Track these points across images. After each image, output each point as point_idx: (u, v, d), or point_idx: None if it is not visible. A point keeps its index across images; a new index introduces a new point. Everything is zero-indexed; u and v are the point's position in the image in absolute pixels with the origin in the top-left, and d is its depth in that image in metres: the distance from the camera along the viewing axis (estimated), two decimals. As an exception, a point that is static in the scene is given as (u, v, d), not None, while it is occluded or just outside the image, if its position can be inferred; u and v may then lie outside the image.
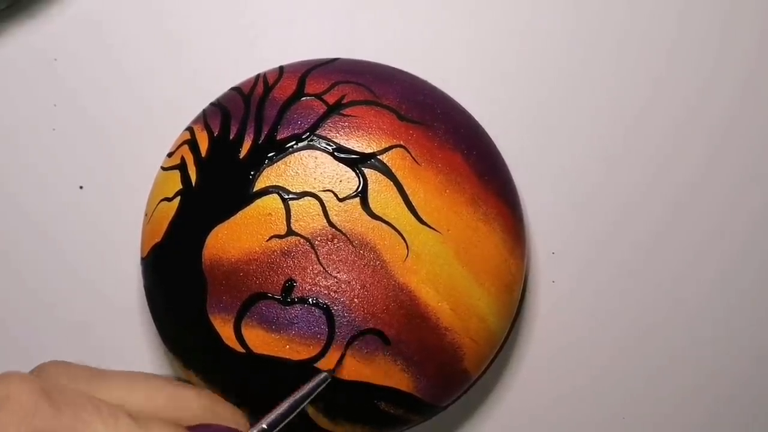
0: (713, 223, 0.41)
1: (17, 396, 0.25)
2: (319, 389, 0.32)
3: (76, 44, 0.41)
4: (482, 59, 0.41)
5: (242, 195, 0.34)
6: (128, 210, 0.39)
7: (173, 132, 0.37)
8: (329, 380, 0.33)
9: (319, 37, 0.41)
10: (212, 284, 0.34)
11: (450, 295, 0.33)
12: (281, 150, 0.34)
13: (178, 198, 0.35)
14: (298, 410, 0.31)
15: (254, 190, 0.34)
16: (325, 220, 0.33)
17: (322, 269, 0.33)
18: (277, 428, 0.30)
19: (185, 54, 0.41)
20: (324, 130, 0.34)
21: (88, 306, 0.40)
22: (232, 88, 0.36)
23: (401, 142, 0.34)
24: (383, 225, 0.33)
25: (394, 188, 0.34)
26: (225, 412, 0.31)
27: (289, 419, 0.31)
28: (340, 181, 0.34)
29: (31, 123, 0.41)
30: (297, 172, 0.34)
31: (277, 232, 0.33)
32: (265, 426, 0.30)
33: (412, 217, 0.33)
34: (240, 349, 0.33)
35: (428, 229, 0.34)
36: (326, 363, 0.33)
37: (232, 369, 0.33)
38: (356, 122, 0.34)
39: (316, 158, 0.34)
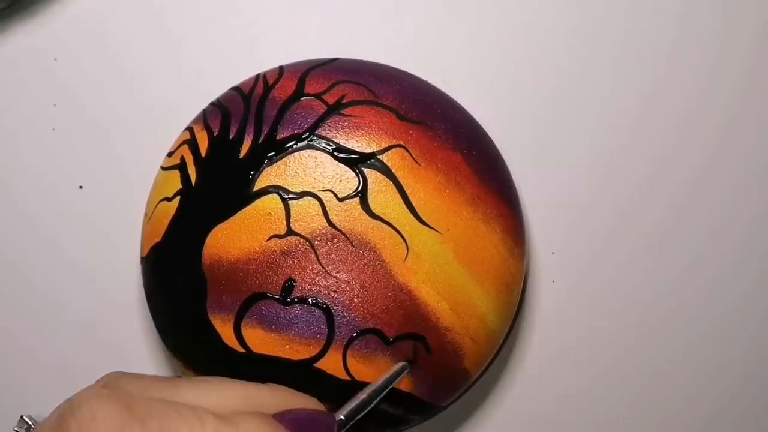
0: (713, 223, 0.41)
1: (103, 416, 0.25)
2: (399, 378, 0.32)
3: (76, 44, 0.41)
4: (482, 59, 0.41)
5: (242, 195, 0.34)
6: (128, 210, 0.39)
7: (173, 132, 0.37)
8: (408, 369, 0.32)
9: (319, 37, 0.41)
10: (212, 284, 0.34)
11: (450, 294, 0.33)
12: (281, 150, 0.34)
13: (178, 198, 0.35)
14: (377, 400, 0.31)
15: (254, 189, 0.34)
16: (324, 220, 0.33)
17: (321, 269, 0.33)
18: (356, 418, 0.30)
19: (185, 54, 0.41)
20: (324, 129, 0.34)
21: (88, 306, 0.40)
22: (232, 88, 0.36)
23: (401, 142, 0.34)
24: (383, 225, 0.33)
25: (394, 188, 0.34)
26: (302, 403, 0.30)
27: (368, 409, 0.30)
28: (340, 180, 0.34)
29: (31, 123, 0.41)
30: (297, 172, 0.34)
31: (276, 232, 0.33)
32: (342, 417, 0.30)
33: (412, 217, 0.33)
34: (240, 348, 0.33)
35: (428, 229, 0.34)
36: (326, 363, 0.33)
37: (232, 369, 0.33)
38: (356, 122, 0.34)
39: (315, 158, 0.34)
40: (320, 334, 0.33)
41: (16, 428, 0.35)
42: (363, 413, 0.30)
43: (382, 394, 0.31)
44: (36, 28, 0.41)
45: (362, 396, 0.31)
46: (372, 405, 0.31)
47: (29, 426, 0.34)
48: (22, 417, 0.35)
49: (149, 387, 0.28)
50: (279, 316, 0.33)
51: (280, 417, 0.28)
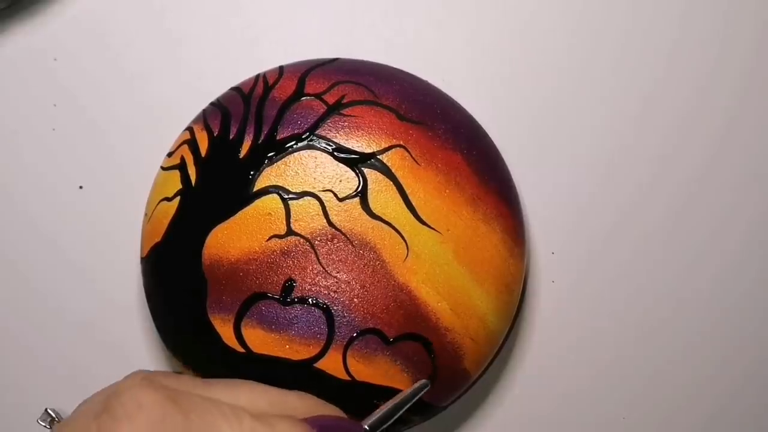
0: (713, 223, 0.41)
1: (147, 403, 0.26)
2: (420, 394, 0.32)
3: (76, 44, 0.41)
4: (482, 59, 0.41)
5: (242, 195, 0.34)
6: (128, 210, 0.39)
7: (173, 132, 0.37)
8: (428, 387, 0.33)
9: (319, 37, 0.41)
10: (212, 284, 0.34)
11: (450, 295, 0.33)
12: (281, 150, 0.34)
13: (178, 198, 0.35)
14: (399, 414, 0.31)
15: (254, 190, 0.34)
16: (324, 220, 0.33)
17: (321, 269, 0.33)
18: (378, 430, 0.31)
19: (185, 54, 0.41)
20: (324, 129, 0.34)
21: (88, 306, 0.40)
22: (232, 88, 0.36)
23: (401, 142, 0.34)
24: (383, 225, 0.33)
25: (394, 188, 0.34)
26: (329, 411, 0.31)
27: (389, 423, 0.31)
28: (340, 180, 0.34)
29: (31, 123, 0.41)
30: (297, 172, 0.34)
31: (276, 232, 0.33)
32: (366, 427, 0.30)
33: (412, 217, 0.33)
34: (240, 348, 0.33)
35: (428, 229, 0.34)
36: (326, 363, 0.33)
37: (232, 369, 0.33)
38: (356, 122, 0.34)
39: (315, 158, 0.34)
40: (320, 334, 0.33)
41: (39, 420, 0.35)
42: (385, 426, 0.31)
43: (404, 409, 0.32)
44: (36, 28, 0.41)
45: (385, 408, 0.31)
46: (394, 419, 0.31)
47: (53, 419, 0.35)
48: (46, 410, 0.35)
49: (186, 383, 0.29)
50: (279, 316, 0.33)
51: (311, 422, 0.29)
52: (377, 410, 0.31)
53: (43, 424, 0.35)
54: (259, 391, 0.30)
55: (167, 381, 0.28)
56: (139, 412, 0.26)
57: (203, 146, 0.35)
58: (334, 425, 0.29)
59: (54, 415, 0.35)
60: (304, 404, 0.30)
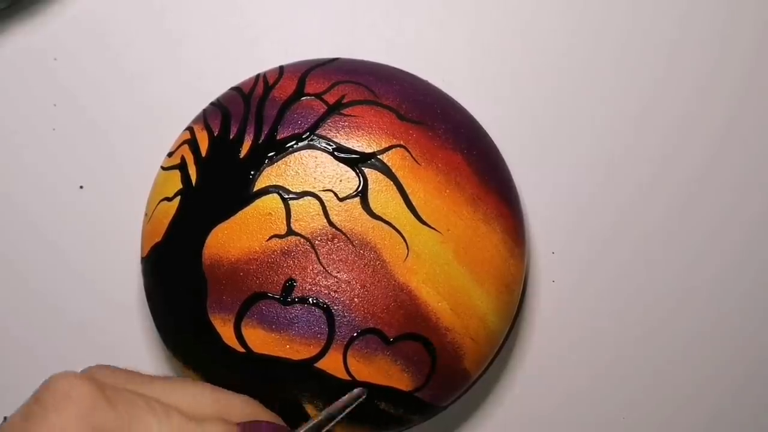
0: (713, 222, 0.41)
1: (78, 395, 0.26)
2: (354, 404, 0.32)
3: (76, 44, 0.41)
4: (482, 59, 0.41)
5: (242, 195, 0.34)
6: (128, 210, 0.39)
7: (173, 132, 0.37)
8: (365, 396, 0.33)
9: (319, 37, 0.41)
10: (212, 284, 0.34)
11: (450, 295, 0.33)
12: (281, 150, 0.34)
13: (178, 198, 0.35)
14: (332, 424, 0.32)
15: (254, 189, 0.34)
16: (325, 220, 0.33)
17: (322, 269, 0.33)
18: None
19: (185, 54, 0.41)
20: (324, 129, 0.34)
21: (88, 306, 0.40)
22: (232, 88, 0.36)
23: (401, 142, 0.34)
24: (383, 225, 0.33)
25: (395, 188, 0.34)
26: (269, 418, 0.32)
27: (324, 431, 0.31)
28: (340, 180, 0.34)
29: (31, 123, 0.41)
30: (297, 172, 0.34)
31: (277, 232, 0.33)
32: None
33: (412, 216, 0.33)
34: (240, 348, 0.33)
35: (428, 228, 0.34)
36: (326, 363, 0.33)
37: (232, 369, 0.33)
38: (356, 122, 0.34)
39: (316, 158, 0.34)
40: (320, 334, 0.33)
41: None
42: None
43: (338, 419, 0.32)
44: (36, 28, 0.41)
45: (319, 418, 0.31)
46: (329, 427, 0.31)
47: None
48: (5, 418, 0.35)
49: (124, 380, 0.29)
50: (279, 316, 0.33)
51: (244, 427, 0.29)
52: (310, 420, 0.31)
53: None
54: (198, 390, 0.30)
55: (102, 375, 0.29)
56: (67, 402, 0.26)
57: (203, 146, 0.35)
58: (267, 431, 0.30)
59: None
60: (245, 408, 0.31)
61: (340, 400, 0.32)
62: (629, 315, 0.40)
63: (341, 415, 0.32)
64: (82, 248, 0.40)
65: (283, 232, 0.33)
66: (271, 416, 0.32)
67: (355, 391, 0.33)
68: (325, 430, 0.31)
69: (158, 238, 0.35)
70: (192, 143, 0.35)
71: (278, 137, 0.34)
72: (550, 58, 0.41)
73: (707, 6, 0.41)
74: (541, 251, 0.40)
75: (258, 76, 0.36)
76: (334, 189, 0.34)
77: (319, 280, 0.33)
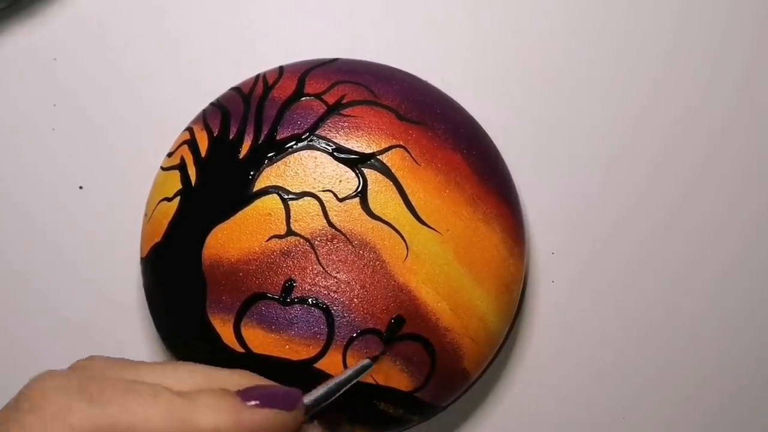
0: (713, 223, 0.41)
1: (52, 397, 0.26)
2: (364, 374, 0.32)
3: (76, 44, 0.41)
4: (482, 59, 0.41)
5: (242, 195, 0.34)
6: (128, 210, 0.39)
7: (173, 132, 0.37)
8: (372, 367, 0.32)
9: (319, 37, 0.41)
10: (212, 284, 0.34)
11: (450, 295, 0.33)
12: (281, 150, 0.34)
13: (178, 198, 0.35)
14: (340, 393, 0.31)
15: (254, 190, 0.34)
16: (324, 220, 0.33)
17: (321, 269, 0.33)
18: (317, 408, 0.30)
19: (185, 54, 0.41)
20: (324, 130, 0.34)
21: (88, 305, 0.40)
22: (232, 88, 0.37)
23: (401, 142, 0.34)
24: (383, 225, 0.33)
25: (394, 188, 0.34)
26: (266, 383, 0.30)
27: (330, 401, 0.30)
28: (340, 181, 0.34)
29: (31, 123, 0.41)
30: (297, 172, 0.34)
31: (276, 232, 0.33)
32: (306, 402, 0.30)
33: (412, 217, 0.33)
34: (240, 349, 0.33)
35: (428, 229, 0.34)
36: (326, 363, 0.33)
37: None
38: (356, 122, 0.34)
39: (315, 158, 0.34)
40: (320, 335, 0.33)
41: None
42: (324, 405, 0.30)
43: (346, 387, 0.31)
44: (36, 28, 0.41)
45: (327, 386, 0.31)
46: (335, 397, 0.31)
47: None
48: None
49: (119, 367, 0.28)
50: (279, 316, 0.33)
51: (244, 393, 0.28)
52: (318, 387, 0.31)
53: None
54: (188, 369, 0.29)
55: (91, 367, 0.28)
56: (44, 402, 0.26)
57: (203, 146, 0.35)
58: (269, 393, 0.29)
59: None
60: (242, 380, 0.30)
61: (348, 369, 0.32)
62: (629, 315, 0.40)
63: (349, 385, 0.31)
64: (82, 248, 0.40)
65: (282, 233, 0.33)
66: (267, 382, 0.31)
67: (363, 361, 0.32)
68: (332, 398, 0.31)
69: (158, 238, 0.35)
70: (192, 143, 0.35)
71: (278, 137, 0.34)
72: (549, 58, 0.41)
73: (707, 6, 0.41)
74: (540, 251, 0.40)
75: (258, 76, 0.36)
76: (333, 189, 0.34)
77: (318, 281, 0.33)
